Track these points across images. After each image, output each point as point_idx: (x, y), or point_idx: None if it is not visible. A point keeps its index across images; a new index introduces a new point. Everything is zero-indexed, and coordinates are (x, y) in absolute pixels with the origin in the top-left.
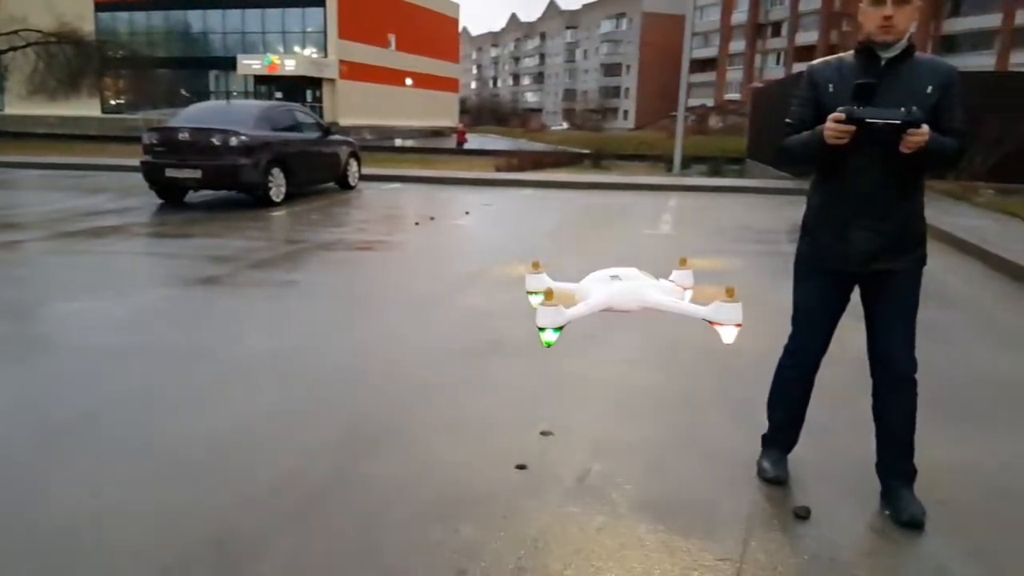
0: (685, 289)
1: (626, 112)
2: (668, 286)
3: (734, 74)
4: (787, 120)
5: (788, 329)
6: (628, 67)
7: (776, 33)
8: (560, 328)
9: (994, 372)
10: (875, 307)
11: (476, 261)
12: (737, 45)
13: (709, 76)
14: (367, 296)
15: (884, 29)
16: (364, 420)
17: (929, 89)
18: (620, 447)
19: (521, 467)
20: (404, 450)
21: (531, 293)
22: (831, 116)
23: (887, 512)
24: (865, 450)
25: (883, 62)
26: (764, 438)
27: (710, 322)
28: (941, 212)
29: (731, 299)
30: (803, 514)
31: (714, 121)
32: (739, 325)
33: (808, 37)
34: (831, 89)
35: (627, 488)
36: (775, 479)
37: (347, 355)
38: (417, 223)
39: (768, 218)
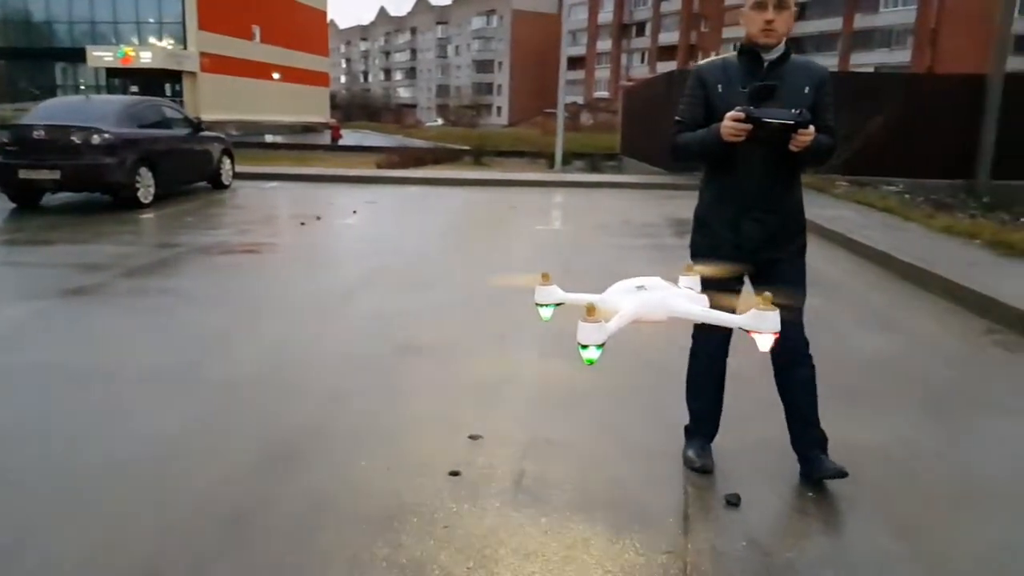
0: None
1: (499, 108)
2: (693, 295)
3: (602, 72)
4: (677, 118)
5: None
6: (500, 64)
7: (640, 33)
8: (602, 345)
9: (879, 355)
10: (766, 293)
11: (372, 261)
12: (604, 44)
13: (579, 74)
14: (260, 302)
15: (766, 33)
16: (277, 435)
17: (807, 89)
18: (550, 447)
19: (454, 473)
20: (326, 464)
21: (540, 305)
22: (730, 115)
23: (813, 475)
24: (784, 433)
25: (766, 64)
26: (687, 429)
27: (746, 331)
28: (806, 203)
29: (768, 307)
30: (734, 501)
31: (585, 118)
32: (777, 334)
33: (670, 37)
34: (720, 89)
35: (564, 488)
36: (702, 468)
37: (247, 367)
38: (303, 223)
39: (648, 213)
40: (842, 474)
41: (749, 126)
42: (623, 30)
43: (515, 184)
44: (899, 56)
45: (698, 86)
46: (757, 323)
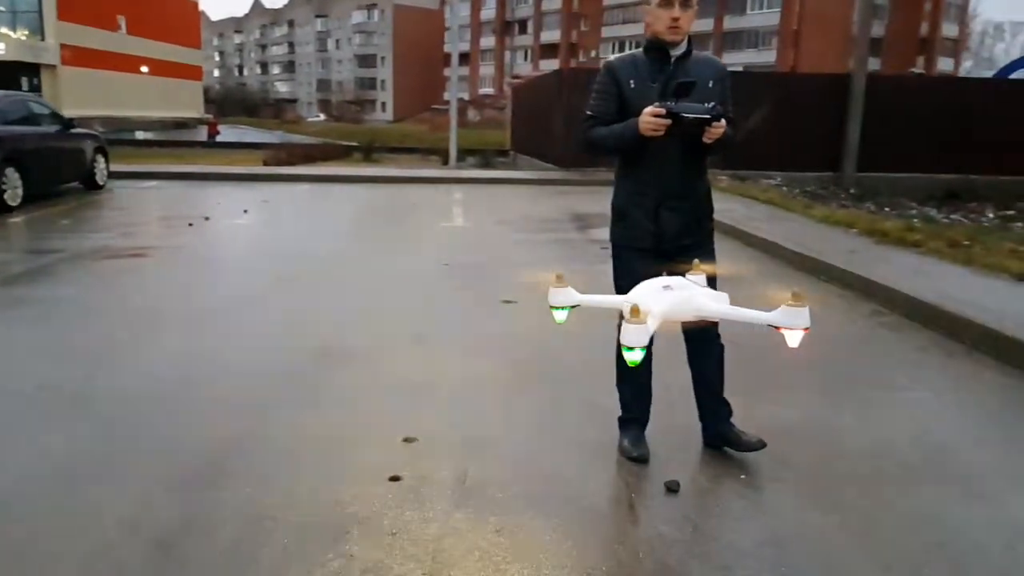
0: None
1: (384, 104)
2: (715, 293)
3: (486, 69)
4: (589, 113)
5: (609, 311)
6: (383, 59)
7: (523, 31)
8: (646, 347)
9: (780, 339)
10: (678, 275)
11: (272, 263)
12: (487, 41)
13: (463, 70)
14: (155, 310)
15: (673, 30)
16: (195, 452)
17: (711, 83)
18: (487, 444)
19: (395, 479)
20: (254, 478)
21: (556, 308)
22: (649, 110)
23: (738, 448)
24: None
25: (672, 59)
26: (620, 420)
27: (775, 327)
28: None
29: (798, 303)
30: (674, 487)
31: (472, 114)
32: (807, 329)
33: (552, 35)
34: (632, 84)
35: (508, 486)
36: (639, 458)
37: (149, 381)
38: (191, 224)
39: (547, 208)
40: (762, 444)
41: (668, 121)
42: (506, 27)
43: (412, 181)
44: (766, 56)
45: (610, 81)
46: (787, 319)
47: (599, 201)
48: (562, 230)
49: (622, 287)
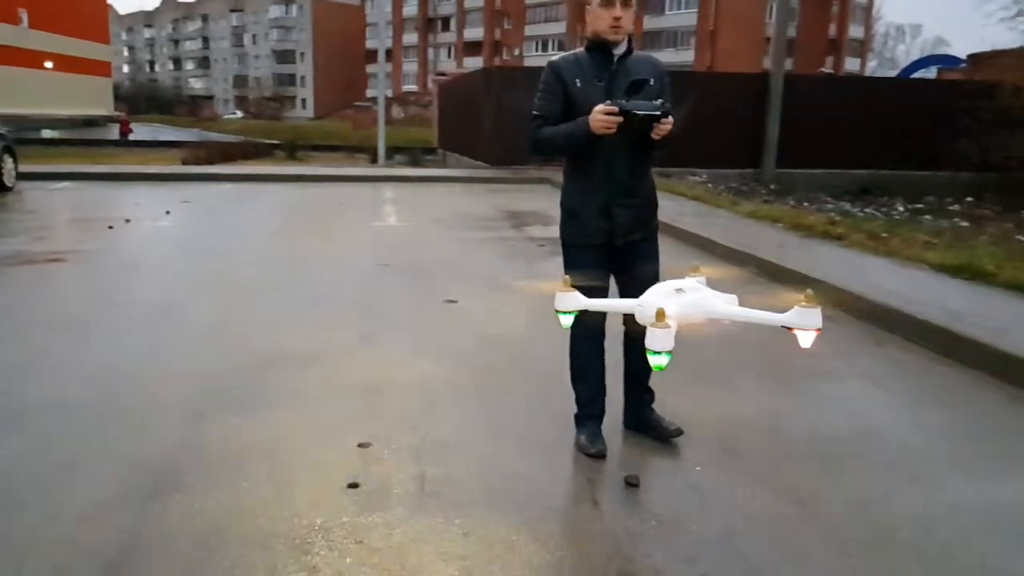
0: None
1: (304, 101)
2: (725, 295)
3: (410, 66)
4: (535, 112)
5: (551, 309)
6: (302, 55)
7: (446, 28)
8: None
9: (722, 333)
10: (629, 271)
11: (202, 266)
12: (410, 38)
13: (386, 67)
14: (81, 317)
15: (614, 29)
16: (137, 464)
17: (652, 81)
18: (444, 448)
19: (353, 486)
20: (205, 490)
21: (562, 313)
22: (601, 108)
23: (659, 436)
24: (667, 410)
25: (615, 58)
26: (576, 417)
27: (788, 328)
28: None
29: (811, 304)
30: (634, 482)
31: (396, 112)
32: (819, 330)
33: (475, 33)
34: (578, 84)
35: (470, 488)
36: (597, 454)
37: (80, 391)
38: (111, 227)
39: (481, 206)
40: (679, 432)
41: (620, 118)
42: (429, 24)
43: (340, 179)
44: (684, 56)
45: (555, 81)
46: (800, 320)
47: (532, 199)
48: (498, 228)
49: (575, 285)
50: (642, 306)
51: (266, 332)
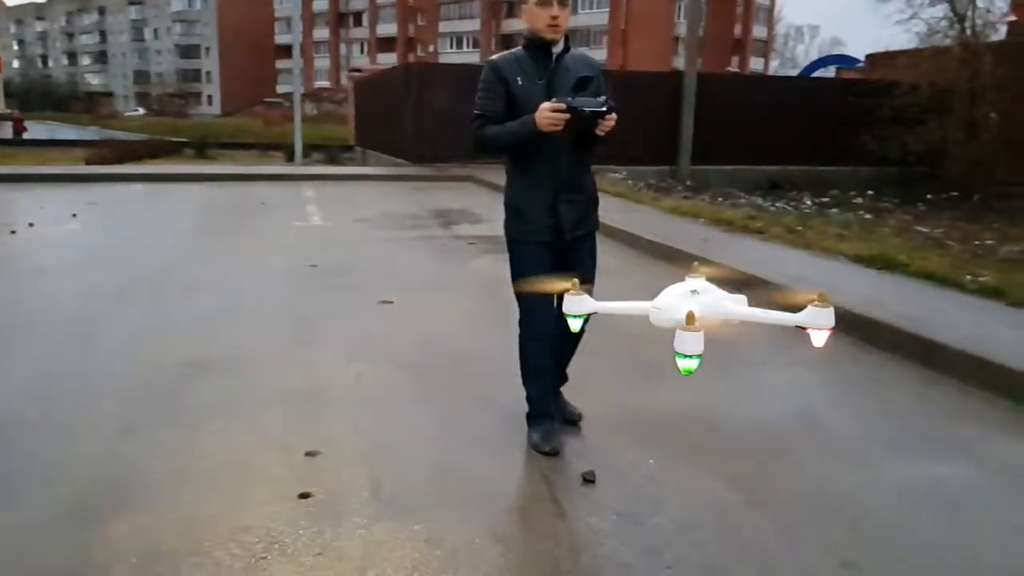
0: None
1: (211, 97)
2: (737, 296)
3: (321, 62)
4: (477, 111)
5: (492, 304)
6: (207, 49)
7: (358, 23)
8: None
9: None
10: (571, 266)
11: (116, 270)
12: (321, 33)
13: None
14: None
15: (552, 28)
16: (73, 483)
17: (573, 82)
18: (395, 451)
19: (305, 496)
20: (147, 506)
21: (571, 316)
22: (548, 106)
23: (563, 415)
24: (615, 406)
25: (554, 56)
26: (528, 415)
27: (801, 328)
28: None
29: (824, 303)
30: (591, 478)
31: (309, 108)
32: (832, 329)
33: (388, 29)
34: (520, 82)
35: (426, 493)
36: (552, 451)
37: (9, 406)
38: (13, 232)
39: (406, 204)
40: (580, 417)
41: (568, 115)
42: (340, 19)
43: (257, 178)
44: (597, 55)
45: (496, 80)
46: (813, 320)
47: (457, 197)
48: (426, 227)
49: (521, 280)
50: (659, 309)
51: (192, 338)
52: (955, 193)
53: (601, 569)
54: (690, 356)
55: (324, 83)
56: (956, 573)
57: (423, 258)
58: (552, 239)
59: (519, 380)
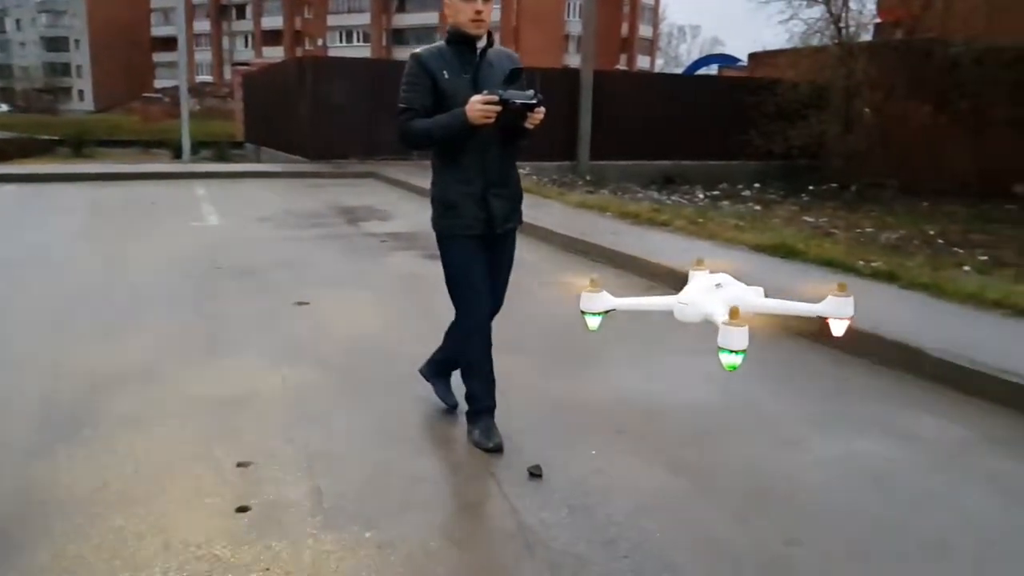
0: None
1: (82, 93)
2: (756, 288)
3: (203, 55)
4: (404, 106)
5: (414, 302)
6: (77, 42)
7: (241, 15)
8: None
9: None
10: (496, 259)
11: (1, 279)
12: (202, 25)
13: (176, 55)
14: None
15: (476, 23)
16: None
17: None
18: (332, 457)
19: (243, 509)
20: (72, 531)
21: (589, 314)
22: (480, 98)
23: (445, 401)
24: (549, 399)
25: (478, 51)
26: (470, 413)
27: (822, 317)
28: None
29: (843, 293)
30: (537, 472)
31: (192, 104)
32: (851, 319)
33: (274, 22)
34: (446, 76)
35: (371, 498)
36: (495, 448)
37: None
38: None
39: (307, 202)
40: (456, 405)
41: (500, 108)
42: (222, 11)
43: (144, 177)
44: None
45: (422, 73)
46: (834, 309)
47: (361, 194)
48: (332, 225)
49: (457, 276)
50: (686, 304)
51: (97, 349)
52: (834, 184)
53: (560, 564)
54: (736, 352)
55: (207, 77)
56: (889, 542)
57: (334, 257)
58: (483, 232)
59: (455, 378)
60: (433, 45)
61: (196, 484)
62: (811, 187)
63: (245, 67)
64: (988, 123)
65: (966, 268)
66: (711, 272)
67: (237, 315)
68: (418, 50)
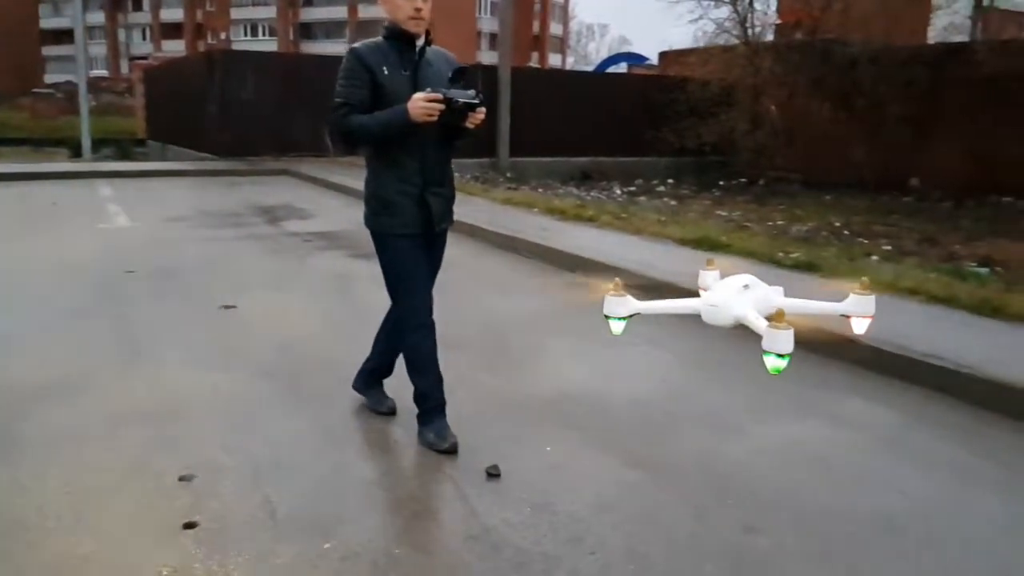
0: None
1: None
2: (776, 288)
3: (97, 48)
4: (341, 101)
5: (346, 304)
6: None
7: (138, 7)
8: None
9: (514, 314)
10: (429, 258)
11: None
12: (95, 17)
13: (68, 49)
14: None
15: (415, 21)
16: None
17: (450, 73)
18: (278, 467)
19: (190, 525)
20: (5, 564)
21: (613, 318)
22: (423, 96)
23: (378, 411)
24: (497, 397)
25: (417, 49)
26: (420, 414)
27: (845, 316)
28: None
29: (866, 291)
30: (495, 472)
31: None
32: (872, 317)
33: (173, 14)
34: (386, 72)
35: (326, 507)
36: (450, 448)
37: None
38: None
39: (222, 201)
40: (394, 411)
41: (443, 106)
42: (117, 3)
43: (41, 177)
44: None
45: (361, 68)
46: (857, 308)
47: (277, 192)
48: (250, 224)
49: (398, 274)
50: (715, 306)
51: (9, 364)
52: (743, 179)
53: (528, 564)
54: (783, 355)
55: (102, 72)
56: (840, 523)
57: (257, 258)
58: (421, 231)
59: (395, 380)
60: (371, 40)
61: (137, 501)
62: (721, 182)
63: (146, 61)
64: (884, 120)
65: (874, 258)
66: (720, 272)
67: (159, 321)
68: (356, 44)
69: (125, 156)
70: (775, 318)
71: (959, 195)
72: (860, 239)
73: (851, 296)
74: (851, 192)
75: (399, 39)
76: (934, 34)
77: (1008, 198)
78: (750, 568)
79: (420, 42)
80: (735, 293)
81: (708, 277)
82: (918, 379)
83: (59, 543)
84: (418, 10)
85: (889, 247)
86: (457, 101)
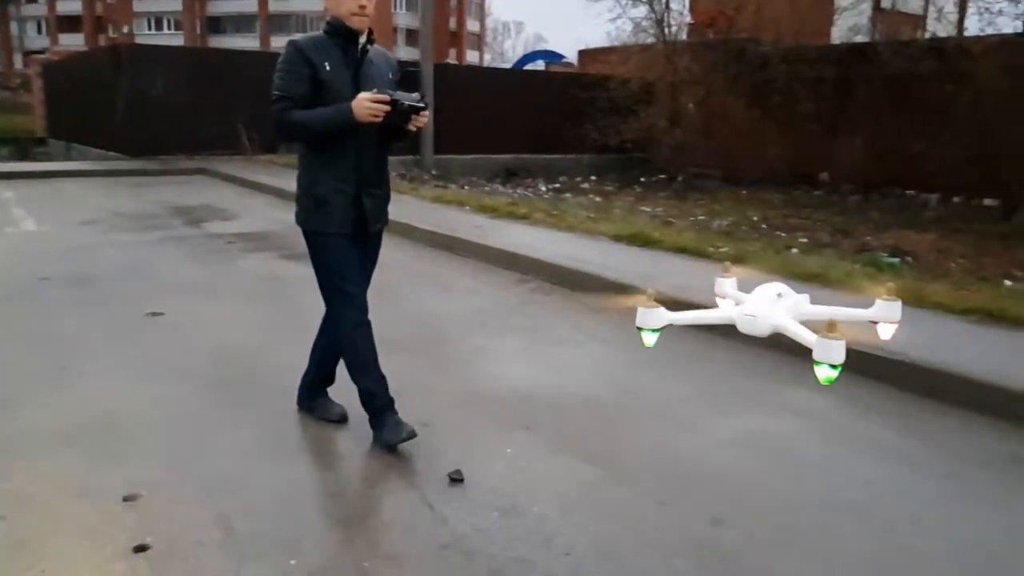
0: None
1: None
2: (803, 295)
3: None
4: (281, 95)
5: (279, 307)
6: None
7: None
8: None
9: (456, 312)
10: (363, 259)
11: None
12: None
13: None
14: None
15: (360, 18)
16: None
17: (390, 74)
18: (229, 481)
19: (141, 548)
20: None
21: (646, 330)
22: (369, 96)
23: (328, 419)
24: (449, 400)
25: (360, 46)
26: (371, 417)
27: (872, 321)
28: (291, 188)
29: (891, 297)
30: (458, 477)
31: None
32: (899, 322)
33: (71, 6)
34: (328, 68)
35: (287, 520)
36: (409, 435)
37: None
38: None
39: (136, 202)
40: (346, 418)
41: (388, 108)
42: None
43: None
44: None
45: (302, 62)
46: (884, 314)
47: (194, 192)
48: (170, 227)
49: (333, 274)
50: (753, 316)
51: None
52: (663, 176)
53: (502, 569)
54: (835, 366)
55: None
56: (804, 510)
57: (180, 262)
58: (354, 231)
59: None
60: (312, 35)
61: (82, 525)
62: (643, 178)
63: (43, 56)
64: (795, 117)
65: (794, 250)
66: (733, 279)
67: (81, 332)
68: (297, 37)
69: (24, 156)
70: (829, 328)
71: (865, 189)
72: (778, 232)
73: (877, 302)
74: (766, 187)
75: (342, 35)
76: (838, 34)
77: (911, 191)
78: (722, 560)
79: (363, 39)
80: (768, 302)
81: (725, 284)
82: (860, 369)
83: (2, 573)
84: (362, 7)
85: (806, 240)
86: (403, 103)
